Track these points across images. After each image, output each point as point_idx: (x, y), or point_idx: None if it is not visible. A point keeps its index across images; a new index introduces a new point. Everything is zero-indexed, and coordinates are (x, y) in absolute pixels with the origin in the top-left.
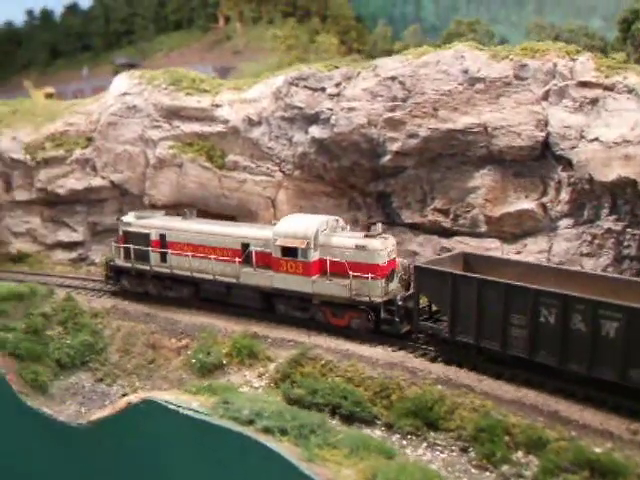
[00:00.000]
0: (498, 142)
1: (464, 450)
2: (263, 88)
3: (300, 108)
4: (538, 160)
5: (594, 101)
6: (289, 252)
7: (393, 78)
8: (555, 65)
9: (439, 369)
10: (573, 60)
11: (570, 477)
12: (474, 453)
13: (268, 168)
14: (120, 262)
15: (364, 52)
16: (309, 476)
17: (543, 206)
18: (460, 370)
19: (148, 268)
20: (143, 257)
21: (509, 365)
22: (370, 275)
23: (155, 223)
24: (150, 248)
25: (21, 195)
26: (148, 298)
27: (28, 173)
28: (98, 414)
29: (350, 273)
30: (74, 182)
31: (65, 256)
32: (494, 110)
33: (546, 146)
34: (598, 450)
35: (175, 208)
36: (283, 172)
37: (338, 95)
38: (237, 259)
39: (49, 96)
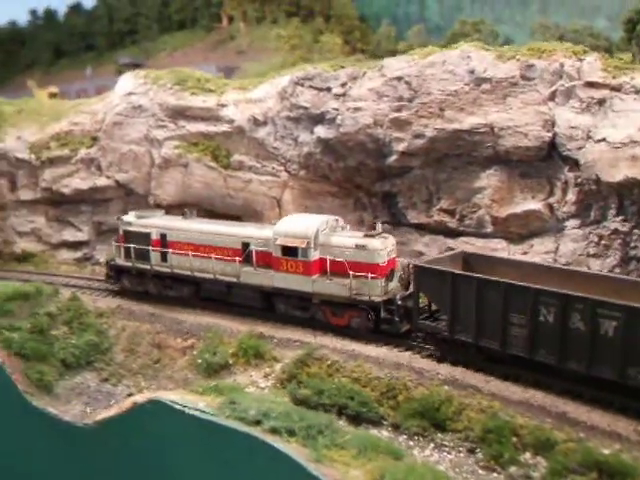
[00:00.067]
0: (504, 142)
1: (471, 451)
2: (268, 88)
3: (306, 108)
4: (545, 160)
5: (601, 102)
6: (289, 251)
7: (399, 78)
8: (562, 65)
9: (446, 370)
10: (580, 60)
11: (578, 478)
12: (482, 454)
13: (273, 168)
14: (120, 261)
15: (368, 52)
16: (317, 477)
17: (550, 207)
18: (467, 371)
19: (149, 267)
20: (143, 256)
21: (508, 364)
22: (370, 274)
23: (156, 222)
24: (151, 247)
25: (26, 195)
26: (153, 298)
27: (33, 173)
28: (104, 414)
29: (350, 272)
30: (79, 182)
31: (70, 256)
32: (501, 110)
33: (553, 146)
34: (606, 451)
35: (180, 208)
36: (288, 172)
37: (344, 95)
38: (237, 258)
39: (53, 96)
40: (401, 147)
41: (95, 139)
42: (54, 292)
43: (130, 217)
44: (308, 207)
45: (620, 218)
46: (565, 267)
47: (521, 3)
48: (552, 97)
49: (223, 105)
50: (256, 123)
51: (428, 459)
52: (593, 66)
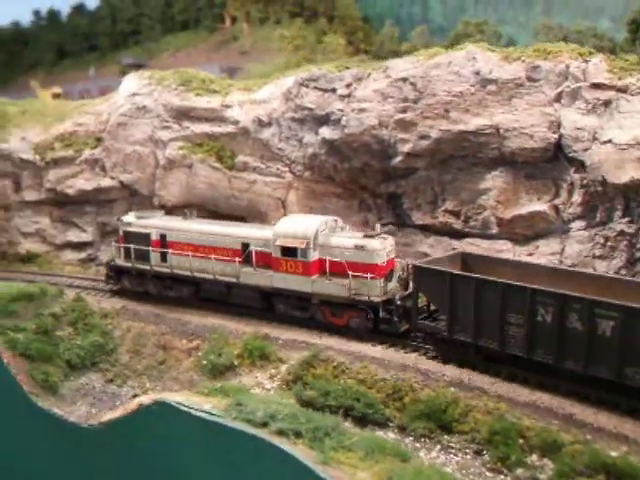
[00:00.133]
0: (510, 144)
1: (478, 453)
2: (273, 89)
3: (310, 109)
4: (550, 162)
5: (607, 103)
6: (289, 252)
7: (404, 79)
8: (568, 67)
9: (452, 371)
10: (586, 62)
11: None
12: (488, 456)
13: (278, 169)
14: (120, 262)
15: (371, 53)
16: (324, 479)
17: (555, 208)
18: (473, 372)
19: (148, 268)
20: (143, 257)
21: (507, 363)
22: (369, 275)
23: (155, 223)
24: (150, 248)
25: (30, 195)
26: (157, 299)
27: (37, 173)
28: (109, 415)
29: (349, 273)
30: (83, 182)
31: (74, 256)
32: (506, 112)
33: (559, 148)
34: (614, 454)
35: (185, 209)
36: (293, 173)
37: (349, 96)
38: (237, 259)
39: (56, 96)
40: (406, 148)
41: (99, 140)
42: (59, 293)
43: (130, 218)
44: (313, 208)
45: (626, 220)
46: (563, 267)
47: (525, 4)
48: (558, 98)
49: (228, 106)
50: (261, 124)
51: (434, 461)
52: (599, 67)
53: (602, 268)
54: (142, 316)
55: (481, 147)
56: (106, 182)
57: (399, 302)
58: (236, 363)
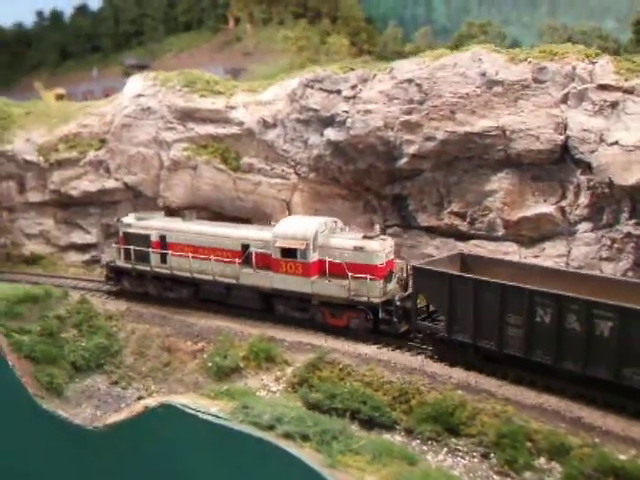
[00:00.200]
0: (516, 145)
1: (485, 456)
2: (278, 90)
3: (315, 110)
4: (557, 164)
5: (614, 104)
6: (288, 253)
7: (410, 80)
8: (574, 68)
9: (459, 374)
10: (592, 63)
11: None
12: (496, 459)
13: (283, 170)
14: (120, 263)
15: (374, 53)
16: None
17: (562, 210)
18: (480, 375)
19: (148, 269)
20: (143, 258)
21: (505, 364)
22: (368, 276)
23: (155, 224)
24: (150, 249)
25: (34, 197)
26: (162, 300)
27: (41, 175)
28: (114, 417)
29: (349, 274)
30: (87, 184)
31: (78, 258)
32: (512, 113)
33: (565, 149)
34: (622, 457)
35: (190, 210)
36: (298, 174)
37: (354, 97)
38: (237, 260)
39: (60, 97)
40: (412, 150)
41: (103, 141)
42: (63, 295)
43: (130, 219)
44: (318, 210)
45: (633, 221)
46: (562, 268)
47: (529, 4)
48: (564, 100)
49: (232, 107)
50: (265, 125)
51: (442, 464)
52: (605, 69)
53: (609, 270)
54: (147, 318)
55: (487, 149)
56: (110, 184)
57: (398, 303)
58: (242, 365)
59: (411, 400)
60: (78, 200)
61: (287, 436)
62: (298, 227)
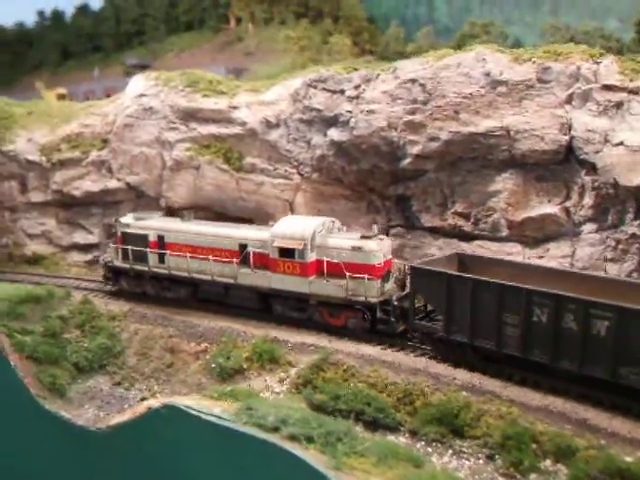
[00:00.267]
0: (520, 146)
1: (491, 458)
2: (281, 90)
3: (319, 110)
4: (561, 164)
5: (619, 105)
6: (286, 253)
7: (413, 80)
8: (579, 68)
9: (463, 375)
10: (597, 63)
11: None
12: (501, 461)
13: (286, 171)
14: (118, 263)
15: (376, 53)
16: None
17: (566, 210)
18: (484, 376)
19: (146, 269)
20: (141, 258)
21: (504, 363)
22: (366, 276)
23: (153, 224)
24: (148, 249)
25: (36, 197)
26: (165, 301)
27: (44, 175)
28: (117, 418)
29: (346, 274)
30: (90, 184)
31: (81, 258)
32: (516, 113)
33: (570, 150)
34: (628, 459)
35: (192, 210)
36: (301, 175)
37: (357, 97)
38: (235, 260)
39: (61, 97)
40: (415, 150)
41: (106, 141)
42: (66, 295)
43: (128, 219)
44: (321, 210)
45: (638, 222)
46: (561, 268)
47: (531, 4)
48: (569, 100)
49: (235, 107)
50: (268, 125)
51: (447, 466)
52: (610, 69)
53: (613, 271)
54: (149, 318)
55: (491, 149)
56: (113, 184)
57: (396, 302)
58: (245, 366)
59: (415, 401)
60: (80, 200)
61: (292, 438)
62: (296, 227)
